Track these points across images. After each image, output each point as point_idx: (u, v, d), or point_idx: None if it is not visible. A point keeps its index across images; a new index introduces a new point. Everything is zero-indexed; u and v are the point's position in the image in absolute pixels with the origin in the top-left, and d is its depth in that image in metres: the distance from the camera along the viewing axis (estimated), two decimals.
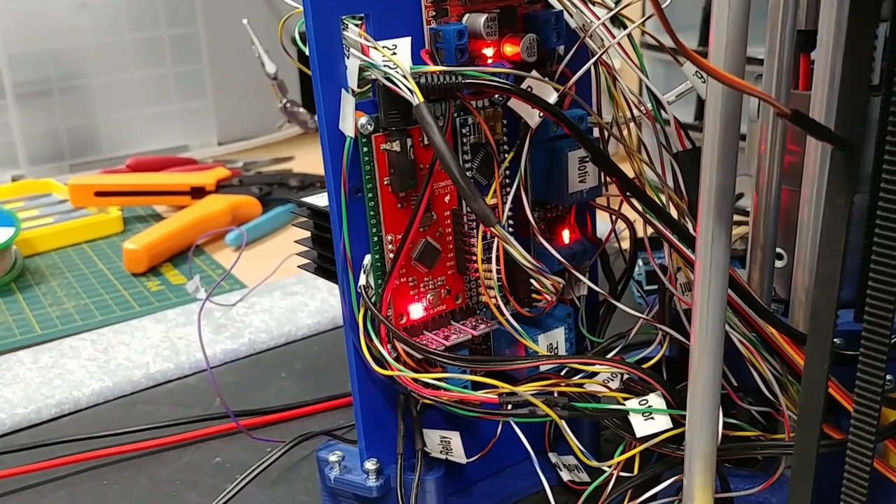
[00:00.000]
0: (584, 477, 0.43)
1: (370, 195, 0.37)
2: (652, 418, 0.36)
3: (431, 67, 0.35)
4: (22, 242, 0.82)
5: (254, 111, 1.13)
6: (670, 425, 0.36)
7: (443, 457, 0.39)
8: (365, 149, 0.36)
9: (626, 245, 0.44)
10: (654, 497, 0.37)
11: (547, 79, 0.37)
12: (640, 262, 0.63)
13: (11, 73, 1.01)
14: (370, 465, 0.39)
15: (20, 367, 0.62)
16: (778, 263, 0.42)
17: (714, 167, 0.29)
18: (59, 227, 0.88)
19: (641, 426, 0.36)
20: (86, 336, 0.67)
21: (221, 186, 0.93)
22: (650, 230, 0.38)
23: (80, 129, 1.07)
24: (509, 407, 0.37)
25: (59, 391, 0.58)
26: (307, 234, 0.43)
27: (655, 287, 0.43)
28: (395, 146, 0.36)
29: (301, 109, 0.83)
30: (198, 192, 0.92)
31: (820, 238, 0.27)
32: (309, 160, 1.08)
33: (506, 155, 0.39)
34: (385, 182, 0.37)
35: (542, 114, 0.36)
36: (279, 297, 0.71)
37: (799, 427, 0.29)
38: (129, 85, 1.09)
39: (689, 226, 0.38)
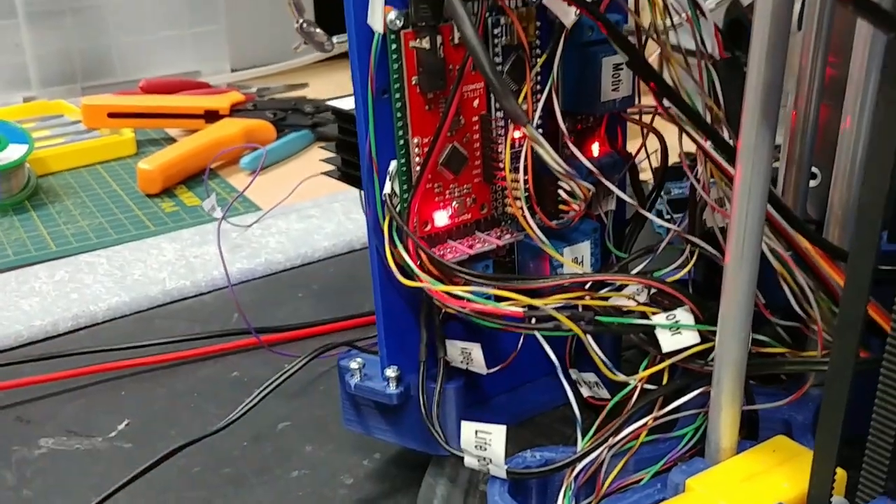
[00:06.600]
0: (604, 393, 0.42)
1: (398, 96, 0.35)
2: (679, 333, 0.36)
3: None
4: (35, 162, 0.82)
5: (268, 37, 1.11)
6: (698, 340, 0.36)
7: (463, 367, 0.39)
8: (393, 46, 0.35)
9: (648, 177, 0.43)
10: (677, 409, 0.36)
11: None
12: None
13: None
14: (391, 372, 0.38)
15: (36, 281, 0.62)
16: (811, 183, 0.41)
17: (763, 63, 0.28)
18: (72, 146, 0.87)
19: (668, 341, 0.36)
20: (101, 253, 0.66)
21: (235, 111, 0.92)
22: (685, 142, 0.37)
23: (92, 51, 1.05)
24: (533, 321, 0.36)
25: (75, 304, 0.58)
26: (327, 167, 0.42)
27: (680, 215, 0.42)
28: (425, 43, 0.34)
29: (317, 30, 0.81)
30: (212, 116, 0.90)
31: (871, 135, 0.26)
32: (323, 88, 1.06)
33: (538, 59, 0.38)
34: (413, 82, 0.35)
35: (578, 12, 0.35)
36: (295, 220, 0.70)
37: (837, 332, 0.28)
38: (140, 6, 1.06)
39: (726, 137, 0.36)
